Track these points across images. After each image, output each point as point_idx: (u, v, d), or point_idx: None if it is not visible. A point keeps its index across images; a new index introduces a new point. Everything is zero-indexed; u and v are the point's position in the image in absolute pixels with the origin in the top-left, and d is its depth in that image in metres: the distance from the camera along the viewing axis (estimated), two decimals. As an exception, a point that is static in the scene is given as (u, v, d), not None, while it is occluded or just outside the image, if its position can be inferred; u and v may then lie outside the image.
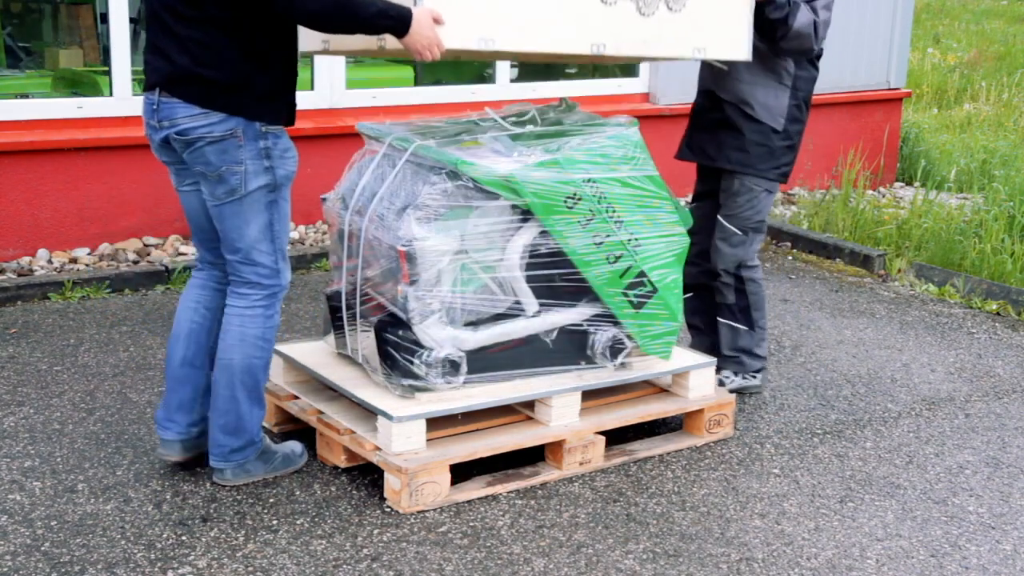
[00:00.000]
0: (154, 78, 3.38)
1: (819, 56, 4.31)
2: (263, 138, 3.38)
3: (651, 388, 4.06)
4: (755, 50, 4.08)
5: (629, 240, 3.69)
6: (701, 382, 3.99)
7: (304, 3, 3.26)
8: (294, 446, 3.71)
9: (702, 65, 4.39)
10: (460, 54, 3.71)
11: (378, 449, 3.47)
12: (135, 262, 5.70)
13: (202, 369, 3.60)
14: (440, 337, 3.50)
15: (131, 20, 5.81)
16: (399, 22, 3.34)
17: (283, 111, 3.45)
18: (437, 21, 3.42)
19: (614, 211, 3.64)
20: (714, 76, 4.31)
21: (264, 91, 3.37)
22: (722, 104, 4.29)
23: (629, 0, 3.79)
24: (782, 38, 4.08)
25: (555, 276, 3.64)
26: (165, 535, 3.25)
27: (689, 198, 4.62)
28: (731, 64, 4.21)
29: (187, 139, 3.34)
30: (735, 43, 4.01)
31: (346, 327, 3.75)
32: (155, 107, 3.37)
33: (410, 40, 3.39)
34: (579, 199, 3.57)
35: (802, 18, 4.06)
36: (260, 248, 3.45)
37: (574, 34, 3.70)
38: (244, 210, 3.40)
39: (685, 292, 4.24)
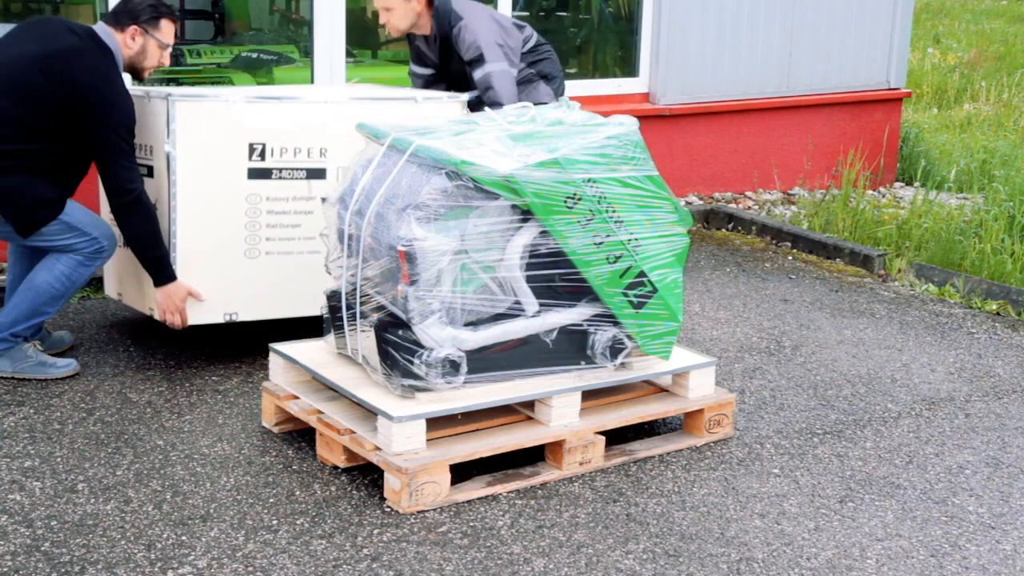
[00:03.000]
0: None
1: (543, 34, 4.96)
2: None
3: (651, 388, 4.06)
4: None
5: (629, 240, 3.69)
6: (701, 382, 3.99)
7: (136, 212, 4.12)
8: (56, 360, 4.33)
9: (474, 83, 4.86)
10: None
11: (378, 449, 3.47)
12: (135, 262, 5.69)
13: None
14: (440, 337, 3.50)
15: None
16: (163, 276, 4.19)
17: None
18: (193, 296, 4.24)
19: (614, 211, 3.64)
20: (479, 93, 4.83)
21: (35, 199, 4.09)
22: None
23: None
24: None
25: (555, 276, 3.64)
26: (165, 535, 3.25)
27: (689, 198, 4.61)
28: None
29: None
30: None
31: (346, 327, 3.75)
32: None
33: (160, 295, 4.21)
34: (579, 199, 3.57)
35: (504, 101, 4.61)
36: None
37: (311, 301, 4.30)
38: None
39: None
